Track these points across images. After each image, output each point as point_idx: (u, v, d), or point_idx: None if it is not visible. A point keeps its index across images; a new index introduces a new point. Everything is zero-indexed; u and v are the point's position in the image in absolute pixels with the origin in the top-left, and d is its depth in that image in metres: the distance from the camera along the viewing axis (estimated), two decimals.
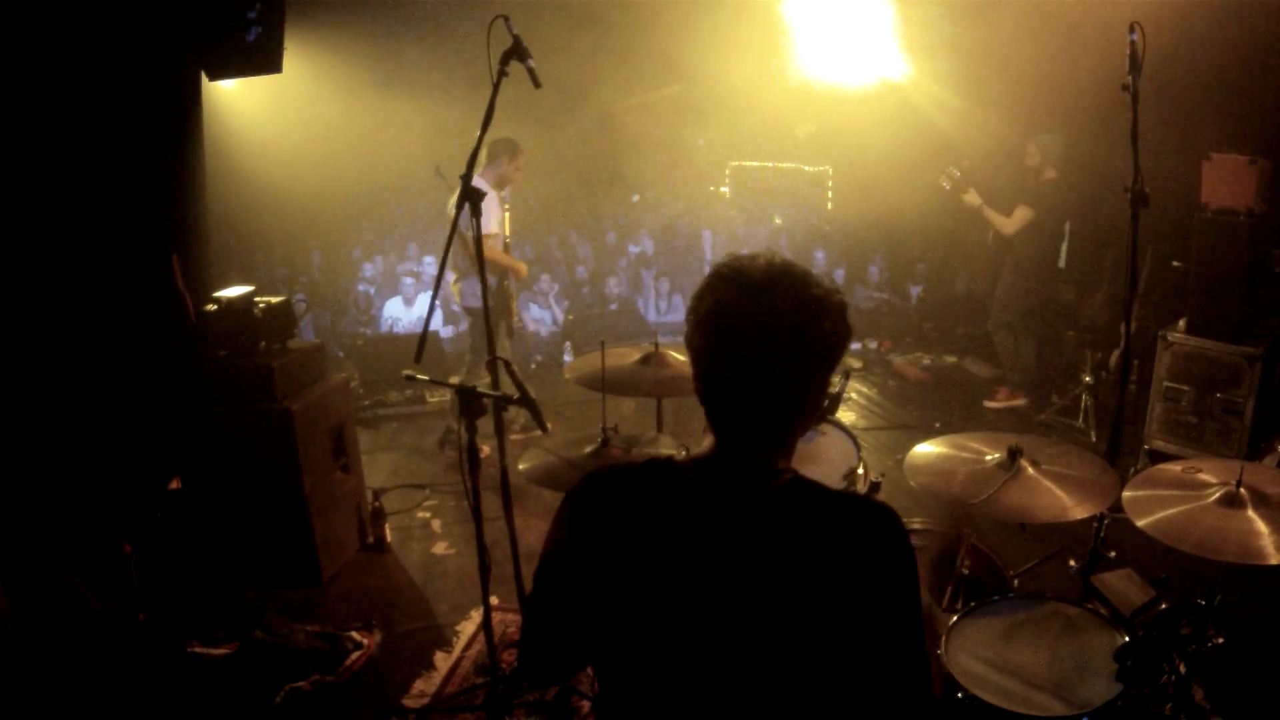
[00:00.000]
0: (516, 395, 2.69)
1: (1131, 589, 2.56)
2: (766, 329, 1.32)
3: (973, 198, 6.09)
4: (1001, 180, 6.44)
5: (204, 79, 4.77)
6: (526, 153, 5.41)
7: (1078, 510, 2.44)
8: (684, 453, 1.47)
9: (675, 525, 1.38)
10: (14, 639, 3.13)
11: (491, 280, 5.17)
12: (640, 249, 9.95)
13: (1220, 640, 2.47)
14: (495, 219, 5.17)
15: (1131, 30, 3.17)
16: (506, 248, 5.50)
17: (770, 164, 11.18)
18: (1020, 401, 6.46)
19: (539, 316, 8.52)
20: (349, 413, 4.60)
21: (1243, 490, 2.32)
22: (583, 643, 1.49)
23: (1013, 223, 6.01)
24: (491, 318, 5.34)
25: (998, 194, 6.15)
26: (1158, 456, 4.99)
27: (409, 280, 8.34)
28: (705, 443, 1.44)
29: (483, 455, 2.87)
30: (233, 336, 4.01)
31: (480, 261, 3.02)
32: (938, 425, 6.23)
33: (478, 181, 5.15)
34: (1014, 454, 2.61)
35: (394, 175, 9.42)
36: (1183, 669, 2.34)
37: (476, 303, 5.25)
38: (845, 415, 6.32)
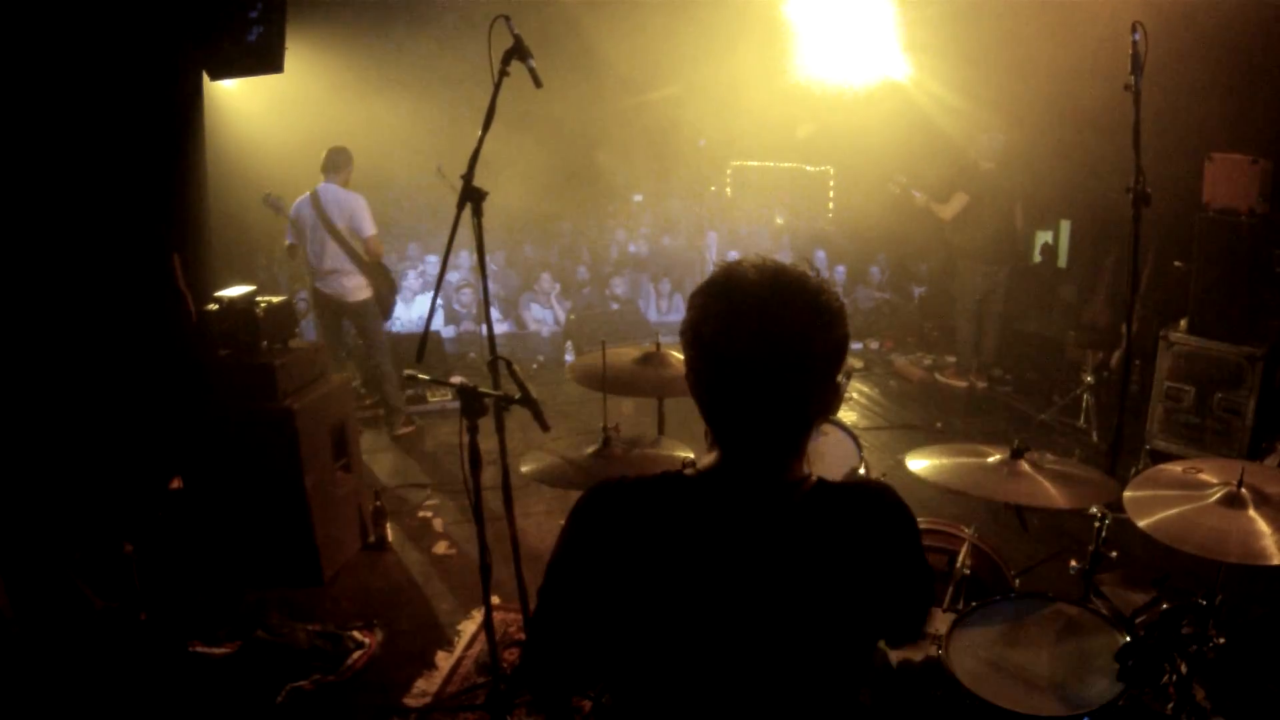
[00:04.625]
0: (518, 395, 2.69)
1: (1132, 589, 2.56)
2: (781, 342, 1.28)
3: (920, 198, 6.69)
4: (941, 173, 6.85)
5: (205, 79, 4.77)
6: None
7: (1079, 502, 2.45)
8: (688, 467, 1.42)
9: (703, 540, 1.34)
10: (15, 638, 3.13)
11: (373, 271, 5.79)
12: (638, 250, 9.96)
13: (1221, 640, 2.47)
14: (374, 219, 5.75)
15: (1133, 30, 3.17)
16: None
17: (771, 164, 11.19)
18: (963, 383, 7.01)
19: (540, 316, 8.52)
20: (350, 412, 4.60)
21: (1244, 490, 2.32)
22: (594, 657, 1.44)
23: (950, 208, 6.59)
24: (373, 310, 5.87)
25: (938, 186, 6.69)
26: (1159, 456, 4.99)
27: (412, 274, 8.33)
28: (710, 455, 1.41)
29: None
30: (234, 336, 4.02)
31: (482, 262, 3.01)
32: (939, 425, 6.23)
33: (329, 188, 5.61)
34: (1016, 454, 2.61)
35: (394, 175, 9.42)
36: (1184, 669, 2.33)
37: (363, 296, 5.79)
38: (847, 415, 6.33)
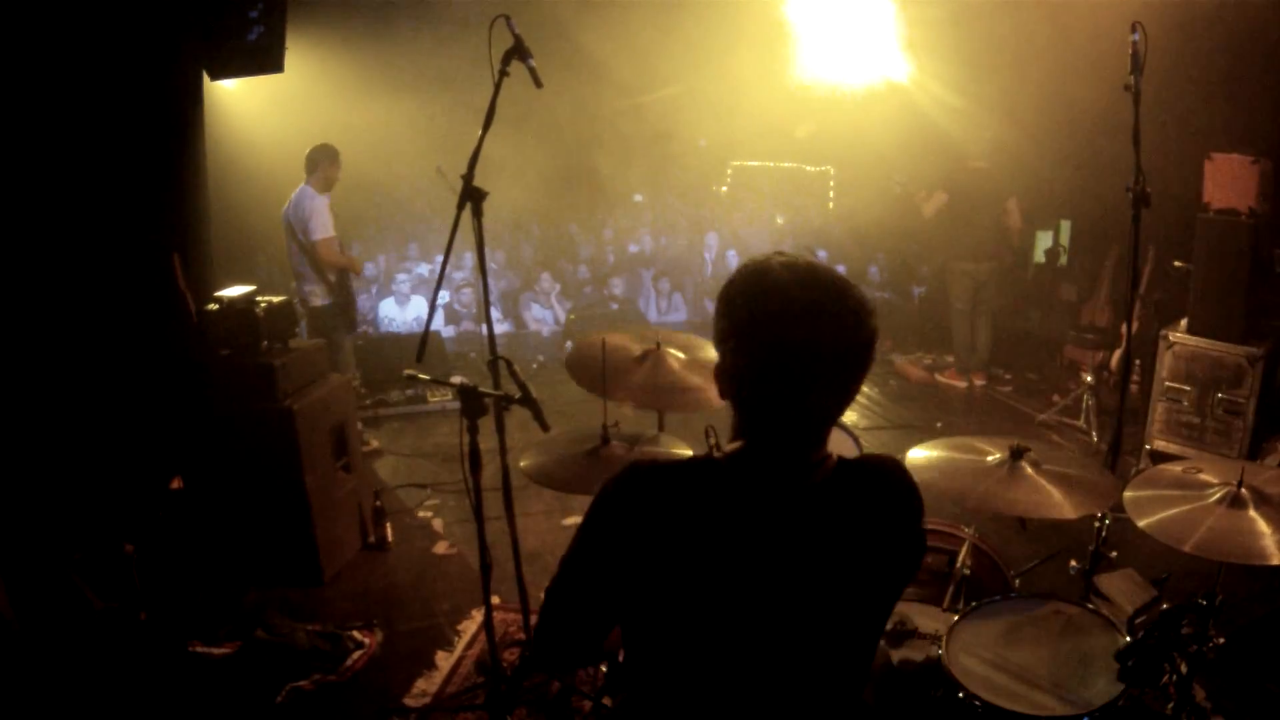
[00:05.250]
0: (518, 395, 2.69)
1: (1133, 589, 2.56)
2: (834, 339, 1.33)
3: (917, 196, 6.71)
4: (934, 171, 6.85)
5: (205, 78, 4.77)
6: (345, 153, 5.82)
7: (1080, 508, 2.44)
8: (715, 451, 1.48)
9: (736, 523, 1.39)
10: (16, 637, 3.13)
11: (332, 278, 5.75)
12: (639, 249, 9.96)
13: (1221, 640, 2.47)
14: (330, 222, 5.63)
15: (1133, 30, 3.17)
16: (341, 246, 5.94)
17: (771, 164, 11.18)
18: (963, 383, 7.01)
19: (540, 316, 8.52)
20: (350, 412, 4.60)
21: (1244, 490, 2.33)
22: (606, 630, 1.51)
23: (930, 206, 6.59)
24: (331, 318, 5.77)
25: (926, 183, 6.72)
26: (1159, 456, 4.99)
27: (402, 276, 8.33)
28: (737, 442, 1.44)
29: None
30: (234, 336, 4.01)
31: (482, 262, 3.01)
32: (939, 425, 6.23)
33: (301, 190, 5.56)
34: (1016, 454, 2.61)
35: (395, 175, 9.42)
36: (1184, 669, 2.33)
37: (320, 302, 5.73)
38: (847, 415, 6.31)
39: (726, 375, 1.41)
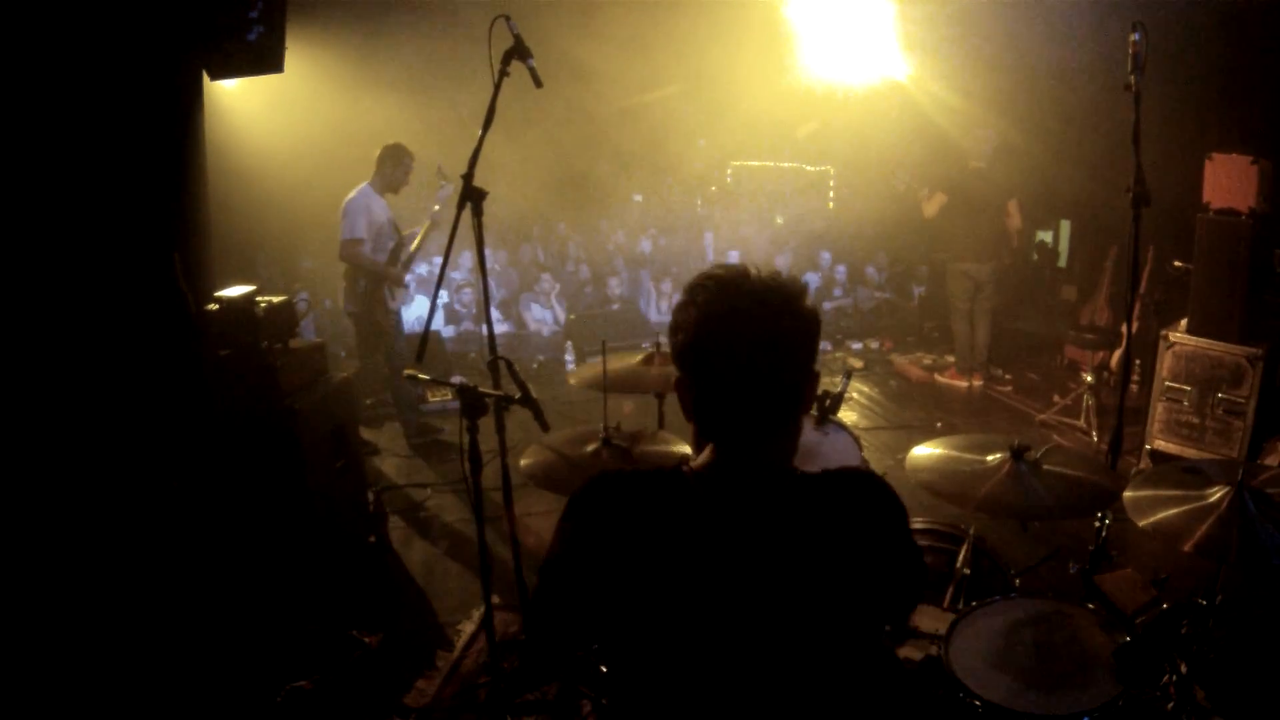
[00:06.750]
0: (518, 395, 2.69)
1: (1133, 589, 2.56)
2: (766, 337, 1.37)
3: (921, 194, 6.76)
4: (934, 171, 6.89)
5: (205, 78, 4.77)
6: (415, 154, 5.83)
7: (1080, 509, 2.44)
8: (684, 465, 1.48)
9: (702, 531, 1.39)
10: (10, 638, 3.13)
11: (361, 286, 5.63)
12: (639, 249, 9.96)
13: (1221, 640, 2.47)
14: (363, 225, 5.48)
15: (1133, 30, 3.17)
16: (396, 254, 5.74)
17: (771, 164, 11.19)
18: (963, 383, 7.02)
19: (540, 316, 8.52)
20: (350, 412, 4.60)
21: (1244, 490, 2.32)
22: (590, 630, 1.54)
23: (930, 206, 6.63)
24: (365, 322, 5.72)
25: (928, 182, 6.78)
26: (1159, 456, 5.00)
27: (407, 277, 8.31)
28: (705, 454, 1.46)
29: None
30: (234, 336, 4.01)
31: (482, 262, 3.01)
32: (939, 425, 6.23)
33: (365, 190, 5.52)
34: (1017, 453, 2.61)
35: None
36: (1184, 669, 2.33)
37: (349, 308, 5.69)
38: (847, 415, 6.32)
39: (685, 385, 1.46)
